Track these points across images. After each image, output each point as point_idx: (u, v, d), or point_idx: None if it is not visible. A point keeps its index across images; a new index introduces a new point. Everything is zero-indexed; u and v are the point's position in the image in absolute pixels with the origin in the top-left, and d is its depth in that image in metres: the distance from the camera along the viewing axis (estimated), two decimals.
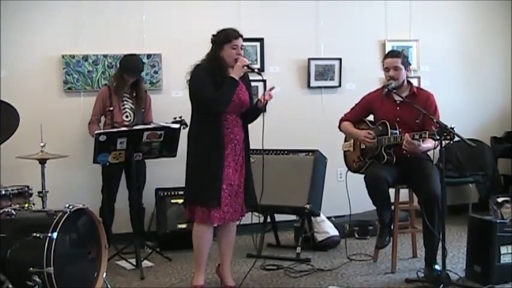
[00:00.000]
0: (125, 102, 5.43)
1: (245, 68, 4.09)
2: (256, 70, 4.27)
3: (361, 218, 5.86)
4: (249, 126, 4.37)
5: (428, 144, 4.31)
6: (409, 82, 4.70)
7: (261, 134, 5.61)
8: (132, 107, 5.44)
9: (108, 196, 5.42)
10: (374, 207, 4.65)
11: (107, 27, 5.82)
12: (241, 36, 4.15)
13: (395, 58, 4.62)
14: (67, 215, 3.86)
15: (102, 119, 5.49)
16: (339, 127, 4.94)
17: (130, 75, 5.38)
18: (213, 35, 4.16)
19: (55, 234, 3.72)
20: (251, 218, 5.16)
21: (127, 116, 5.41)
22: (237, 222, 4.35)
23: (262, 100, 4.17)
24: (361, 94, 4.94)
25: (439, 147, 4.06)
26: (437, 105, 4.62)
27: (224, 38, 4.11)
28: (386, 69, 4.64)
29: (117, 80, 5.42)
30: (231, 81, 4.04)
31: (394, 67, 4.59)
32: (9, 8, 5.55)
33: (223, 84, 4.04)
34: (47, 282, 3.65)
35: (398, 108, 4.63)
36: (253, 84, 6.02)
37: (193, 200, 4.16)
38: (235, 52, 4.10)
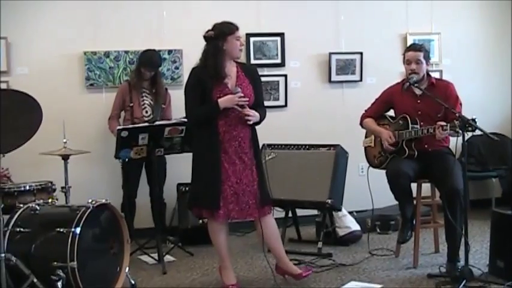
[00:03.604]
0: (144, 98, 5.47)
1: (235, 106, 3.99)
2: (243, 111, 4.02)
3: (383, 212, 5.84)
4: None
5: None
6: (428, 74, 4.65)
7: (281, 129, 5.68)
8: (151, 102, 5.48)
9: (128, 191, 5.47)
10: (396, 202, 4.63)
11: (127, 24, 5.86)
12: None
13: (417, 52, 4.57)
14: (90, 210, 3.90)
15: (122, 114, 5.54)
16: (361, 124, 4.92)
17: (147, 69, 5.40)
18: (210, 31, 4.04)
19: (78, 229, 3.77)
20: (272, 213, 5.16)
21: (146, 112, 5.44)
22: (272, 216, 4.29)
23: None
24: (382, 88, 4.90)
25: (461, 141, 4.03)
26: (457, 94, 4.56)
27: (228, 29, 4.03)
28: (407, 62, 4.59)
29: (135, 75, 5.46)
30: (214, 106, 3.97)
31: (416, 60, 4.54)
32: (32, 5, 5.61)
33: (217, 81, 4.00)
34: (71, 276, 3.70)
35: (419, 101, 4.59)
36: (273, 79, 6.16)
37: (195, 203, 4.17)
38: (239, 43, 4.09)
